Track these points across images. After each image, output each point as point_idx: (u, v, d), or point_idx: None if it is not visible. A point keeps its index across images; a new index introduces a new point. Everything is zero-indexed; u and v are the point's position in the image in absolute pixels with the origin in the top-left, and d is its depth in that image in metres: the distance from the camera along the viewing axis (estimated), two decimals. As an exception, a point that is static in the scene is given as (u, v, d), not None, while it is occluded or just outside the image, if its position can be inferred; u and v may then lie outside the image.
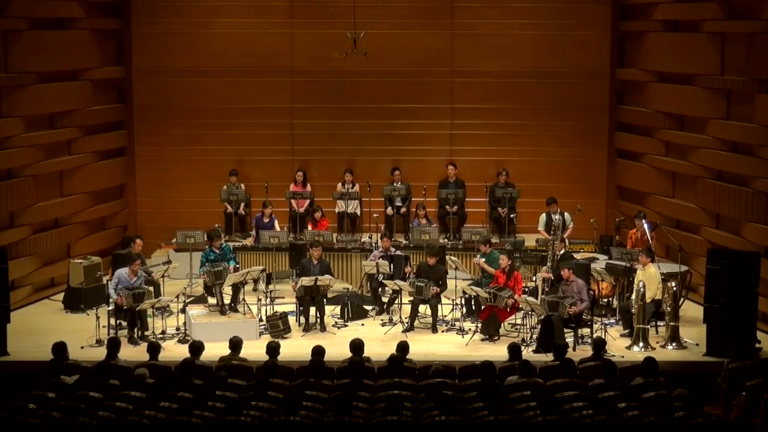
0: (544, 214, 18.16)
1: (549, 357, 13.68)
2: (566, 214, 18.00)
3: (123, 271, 15.68)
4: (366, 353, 13.14)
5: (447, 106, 20.10)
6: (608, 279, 16.49)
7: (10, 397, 11.32)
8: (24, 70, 17.53)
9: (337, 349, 14.13)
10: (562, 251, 16.51)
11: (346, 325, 16.20)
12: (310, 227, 18.31)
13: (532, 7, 19.79)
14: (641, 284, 15.07)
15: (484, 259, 16.54)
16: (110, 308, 15.39)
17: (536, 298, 15.52)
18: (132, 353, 14.32)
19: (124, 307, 15.15)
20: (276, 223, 18.73)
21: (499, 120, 20.03)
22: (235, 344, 13.28)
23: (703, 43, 17.48)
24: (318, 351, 12.75)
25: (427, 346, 15.06)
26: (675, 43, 18.32)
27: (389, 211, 19.35)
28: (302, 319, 16.01)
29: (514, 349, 13.15)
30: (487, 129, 20.08)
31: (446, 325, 16.06)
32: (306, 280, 15.80)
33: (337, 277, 17.46)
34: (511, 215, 18.92)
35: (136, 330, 15.20)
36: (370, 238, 18.72)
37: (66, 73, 18.62)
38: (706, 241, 17.30)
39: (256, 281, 17.09)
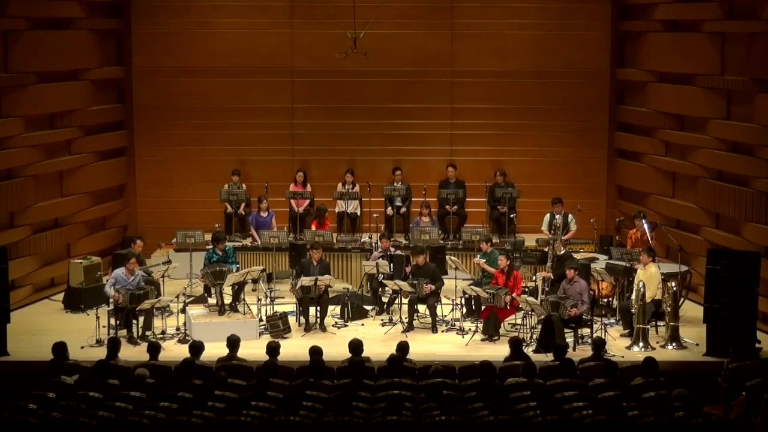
0: (548, 214, 18.16)
1: (549, 357, 13.68)
2: (570, 215, 18.00)
3: (120, 271, 15.68)
4: (366, 353, 13.14)
5: (447, 106, 20.11)
6: (608, 279, 16.49)
7: (10, 397, 11.32)
8: (24, 70, 17.54)
9: (337, 349, 14.15)
10: (562, 251, 16.51)
11: (346, 325, 16.20)
12: (314, 227, 18.32)
13: (532, 7, 19.80)
14: (641, 284, 15.07)
15: (484, 260, 16.55)
16: (110, 308, 15.39)
17: (536, 298, 15.54)
18: (132, 353, 14.32)
19: (119, 304, 15.11)
20: (273, 219, 18.73)
21: (499, 120, 20.03)
22: (233, 342, 13.27)
23: (703, 43, 17.48)
24: (315, 351, 12.74)
25: (427, 346, 15.05)
26: (675, 43, 18.32)
27: (389, 211, 19.35)
28: (302, 319, 16.01)
29: (516, 344, 13.18)
30: (487, 129, 20.08)
31: (446, 325, 16.06)
32: (306, 280, 15.80)
33: (337, 277, 17.47)
34: (511, 215, 18.92)
35: (135, 330, 15.20)
36: (370, 238, 18.72)
37: (66, 73, 18.62)
38: (706, 241, 17.30)
39: (255, 281, 17.07)
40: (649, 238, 16.89)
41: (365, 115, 20.05)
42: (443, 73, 20.02)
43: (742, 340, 13.91)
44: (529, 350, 14.65)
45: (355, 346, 12.96)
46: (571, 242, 17.77)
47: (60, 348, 12.94)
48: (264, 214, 18.74)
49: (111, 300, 15.32)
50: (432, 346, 15.13)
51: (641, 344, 14.85)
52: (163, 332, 15.59)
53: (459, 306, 16.50)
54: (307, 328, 15.88)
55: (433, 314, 15.92)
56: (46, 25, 18.17)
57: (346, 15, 17.12)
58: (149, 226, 19.72)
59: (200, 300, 16.82)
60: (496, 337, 15.34)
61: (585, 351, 14.33)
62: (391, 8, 19.45)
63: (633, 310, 15.17)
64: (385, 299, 16.80)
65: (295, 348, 14.62)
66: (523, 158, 20.01)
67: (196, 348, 13.01)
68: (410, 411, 10.70)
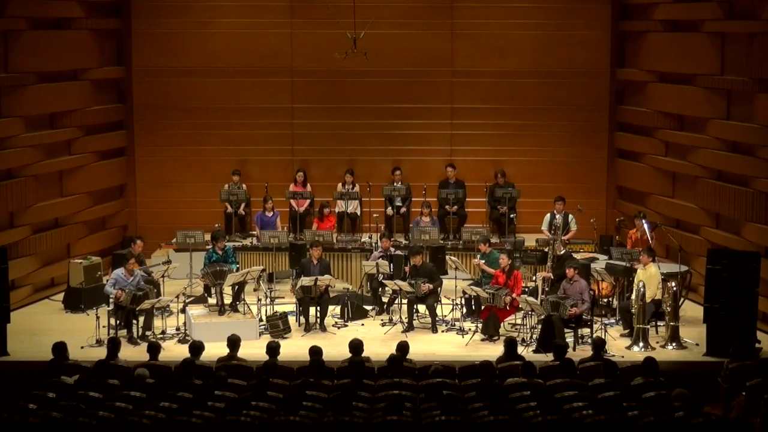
0: (548, 214, 18.16)
1: (549, 357, 13.68)
2: (570, 215, 18.00)
3: (119, 272, 15.69)
4: (366, 353, 13.14)
5: (447, 106, 20.10)
6: (608, 279, 16.49)
7: (10, 397, 11.32)
8: (24, 70, 17.54)
9: (337, 349, 14.15)
10: (562, 251, 16.52)
11: (346, 325, 16.20)
12: (315, 225, 18.33)
13: (532, 7, 19.79)
14: (641, 284, 15.07)
15: (483, 261, 16.54)
16: (110, 308, 15.39)
17: (536, 298, 15.54)
18: (132, 353, 14.32)
19: (120, 302, 15.10)
20: (278, 219, 18.77)
21: (499, 120, 20.03)
22: (233, 342, 13.27)
23: (703, 43, 17.48)
24: (315, 351, 12.74)
25: (427, 346, 15.06)
26: (675, 43, 18.32)
27: (389, 211, 19.35)
28: (302, 319, 16.01)
29: (510, 344, 13.18)
30: (487, 129, 20.08)
31: (446, 325, 16.06)
32: (306, 280, 15.80)
33: (337, 277, 17.47)
34: (511, 215, 18.92)
35: (135, 330, 15.20)
36: (370, 238, 18.73)
37: (66, 73, 18.62)
38: (706, 241, 17.30)
39: (258, 280, 17.04)
40: (649, 238, 16.89)
41: (365, 115, 20.04)
42: (443, 73, 20.02)
43: (742, 340, 13.89)
44: (529, 350, 14.67)
45: (356, 346, 12.96)
46: (571, 242, 17.78)
47: (60, 348, 12.95)
48: (269, 214, 18.77)
49: (112, 298, 15.33)
50: (432, 346, 15.13)
51: (641, 344, 14.85)
52: (163, 332, 15.59)
53: (459, 306, 16.50)
54: (307, 328, 15.88)
55: (433, 314, 15.92)
56: (46, 25, 18.17)
57: (346, 15, 17.12)
58: (149, 226, 19.71)
59: (200, 300, 16.82)
60: (496, 337, 15.34)
61: (585, 351, 14.33)
62: (391, 8, 19.47)
63: (633, 310, 15.17)
64: (385, 299, 16.80)
65: (295, 348, 14.62)
66: (523, 158, 20.01)
67: (196, 348, 13.01)
68: (410, 411, 10.70)
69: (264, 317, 15.94)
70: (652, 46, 18.89)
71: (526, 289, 16.34)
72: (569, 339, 14.76)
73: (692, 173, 17.90)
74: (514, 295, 15.38)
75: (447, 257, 17.42)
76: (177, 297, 16.16)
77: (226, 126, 20.03)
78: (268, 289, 16.69)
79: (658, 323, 15.62)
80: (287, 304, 16.73)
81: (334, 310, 16.52)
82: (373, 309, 16.78)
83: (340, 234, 18.93)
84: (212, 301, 16.36)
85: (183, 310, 16.06)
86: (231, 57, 19.91)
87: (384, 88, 19.95)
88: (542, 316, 15.02)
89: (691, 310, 16.40)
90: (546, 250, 16.98)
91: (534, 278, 16.77)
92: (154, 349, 13.16)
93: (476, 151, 20.08)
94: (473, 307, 16.28)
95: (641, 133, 19.28)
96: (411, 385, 11.91)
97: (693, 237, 17.76)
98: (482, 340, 15.38)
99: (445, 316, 16.42)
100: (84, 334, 15.21)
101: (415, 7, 19.93)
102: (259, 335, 15.47)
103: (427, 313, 16.01)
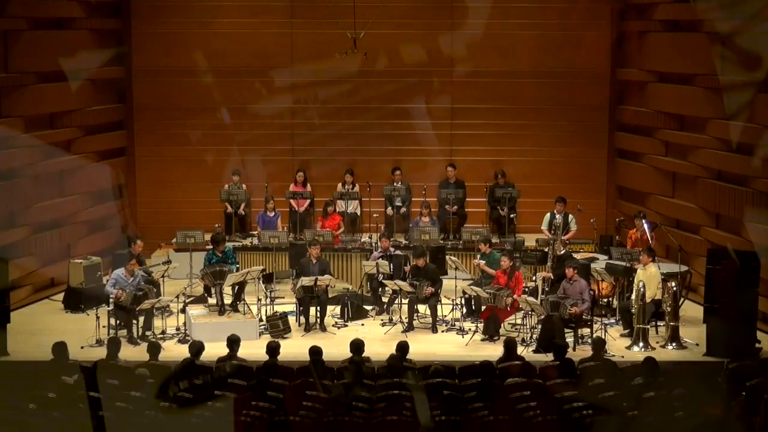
0: (548, 214, 18.15)
1: (549, 357, 13.68)
2: (570, 215, 17.99)
3: (119, 272, 15.68)
4: (366, 353, 13.14)
5: (447, 106, 20.10)
6: (608, 279, 16.49)
7: (10, 397, 11.31)
8: (24, 70, 17.53)
9: (337, 349, 14.14)
10: (562, 251, 16.52)
11: (346, 325, 16.20)
12: (320, 223, 18.33)
13: (532, 7, 19.80)
14: (641, 284, 15.07)
15: (484, 261, 16.54)
16: (110, 308, 15.39)
17: (536, 298, 15.54)
18: (132, 353, 14.32)
19: (121, 302, 15.10)
20: (279, 219, 18.77)
21: (499, 120, 20.03)
22: (233, 342, 13.27)
23: (703, 43, 17.47)
24: (315, 351, 12.73)
25: (427, 346, 15.05)
26: (675, 43, 18.32)
27: (389, 211, 19.35)
28: (302, 319, 16.02)
29: (510, 345, 13.18)
30: (487, 129, 20.08)
31: (446, 325, 16.06)
32: (306, 280, 15.80)
33: (337, 277, 17.46)
34: (511, 215, 18.92)
35: (135, 330, 15.20)
36: (370, 238, 18.73)
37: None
38: (706, 241, 17.30)
39: (265, 279, 17.02)
40: (649, 238, 16.88)
41: (365, 115, 20.04)
42: (443, 73, 20.02)
43: (742, 340, 13.90)
44: (529, 350, 14.67)
45: (357, 346, 12.95)
46: (571, 242, 17.78)
47: (60, 348, 12.94)
48: (271, 214, 18.77)
49: (112, 298, 15.32)
50: (432, 346, 15.13)
51: (641, 344, 14.85)
52: (163, 332, 15.59)
53: (459, 306, 16.50)
54: (307, 328, 15.88)
55: (434, 314, 15.92)
56: (46, 25, 18.17)
57: (346, 15, 17.13)
58: (149, 226, 19.71)
59: (200, 300, 16.82)
60: (496, 338, 15.33)
61: (585, 351, 14.33)
62: (391, 8, 19.46)
63: (633, 310, 15.17)
64: (385, 299, 16.80)
65: (295, 348, 14.61)
66: (522, 158, 20.01)
67: (196, 348, 13.00)
68: (410, 411, 10.70)
69: (264, 317, 15.94)
70: (652, 46, 18.90)
71: (526, 289, 16.34)
72: (569, 339, 14.76)
73: (692, 173, 17.90)
74: (515, 296, 15.38)
75: (447, 257, 17.42)
76: (177, 297, 16.15)
77: (226, 126, 20.02)
78: (267, 289, 16.69)
79: (658, 323, 15.62)
80: (287, 304, 16.73)
81: (334, 310, 16.52)
82: (373, 309, 16.78)
83: (344, 233, 18.87)
84: (212, 301, 16.35)
85: (183, 310, 16.06)
86: (231, 57, 19.91)
87: (384, 88, 19.94)
88: (542, 316, 15.02)
89: (691, 310, 16.39)
90: (546, 250, 16.99)
91: (534, 278, 16.76)
92: (154, 349, 13.16)
93: (476, 151, 20.09)
94: (473, 307, 16.27)
95: (641, 133, 19.28)
96: (411, 385, 11.91)
97: (693, 237, 17.76)
98: (482, 340, 15.38)
99: (445, 316, 16.42)
100: (84, 334, 15.21)
101: (415, 7, 19.93)
102: (259, 335, 15.47)
103: (427, 312, 16.01)
